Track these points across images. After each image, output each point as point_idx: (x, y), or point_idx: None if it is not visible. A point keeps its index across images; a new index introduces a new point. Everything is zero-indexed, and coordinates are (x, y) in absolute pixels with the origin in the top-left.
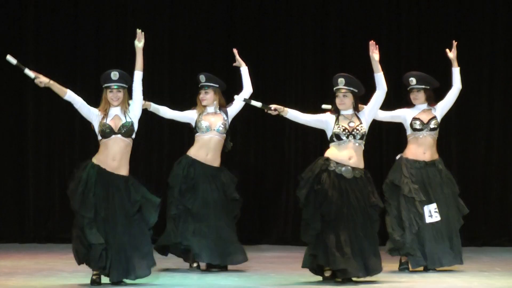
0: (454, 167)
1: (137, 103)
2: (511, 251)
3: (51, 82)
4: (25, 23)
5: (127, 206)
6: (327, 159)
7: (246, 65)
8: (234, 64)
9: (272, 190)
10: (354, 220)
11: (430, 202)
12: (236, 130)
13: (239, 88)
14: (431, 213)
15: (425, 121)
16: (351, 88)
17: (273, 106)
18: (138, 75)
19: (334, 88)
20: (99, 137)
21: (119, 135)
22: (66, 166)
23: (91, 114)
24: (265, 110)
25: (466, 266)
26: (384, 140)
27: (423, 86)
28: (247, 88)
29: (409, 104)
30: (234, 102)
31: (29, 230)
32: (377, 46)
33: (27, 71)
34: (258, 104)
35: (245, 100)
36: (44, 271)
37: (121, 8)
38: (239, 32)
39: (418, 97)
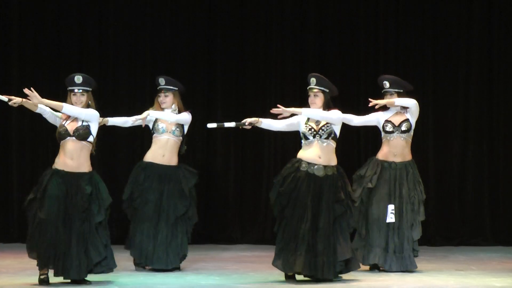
0: (430, 168)
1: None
2: (487, 251)
3: (24, 100)
4: (10, 30)
5: (80, 202)
6: (298, 160)
7: (226, 73)
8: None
9: (251, 191)
10: (321, 218)
11: (390, 202)
12: (216, 131)
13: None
14: (388, 214)
15: (397, 123)
16: (322, 88)
17: (247, 121)
18: (68, 108)
19: (307, 88)
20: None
21: (73, 138)
22: (50, 167)
23: (57, 120)
24: (240, 127)
25: (443, 265)
26: (362, 141)
27: (396, 90)
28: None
29: (384, 107)
30: (185, 117)
31: (13, 230)
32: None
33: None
34: (231, 124)
35: (218, 125)
36: (28, 270)
37: (104, 12)
38: (219, 40)
39: None
